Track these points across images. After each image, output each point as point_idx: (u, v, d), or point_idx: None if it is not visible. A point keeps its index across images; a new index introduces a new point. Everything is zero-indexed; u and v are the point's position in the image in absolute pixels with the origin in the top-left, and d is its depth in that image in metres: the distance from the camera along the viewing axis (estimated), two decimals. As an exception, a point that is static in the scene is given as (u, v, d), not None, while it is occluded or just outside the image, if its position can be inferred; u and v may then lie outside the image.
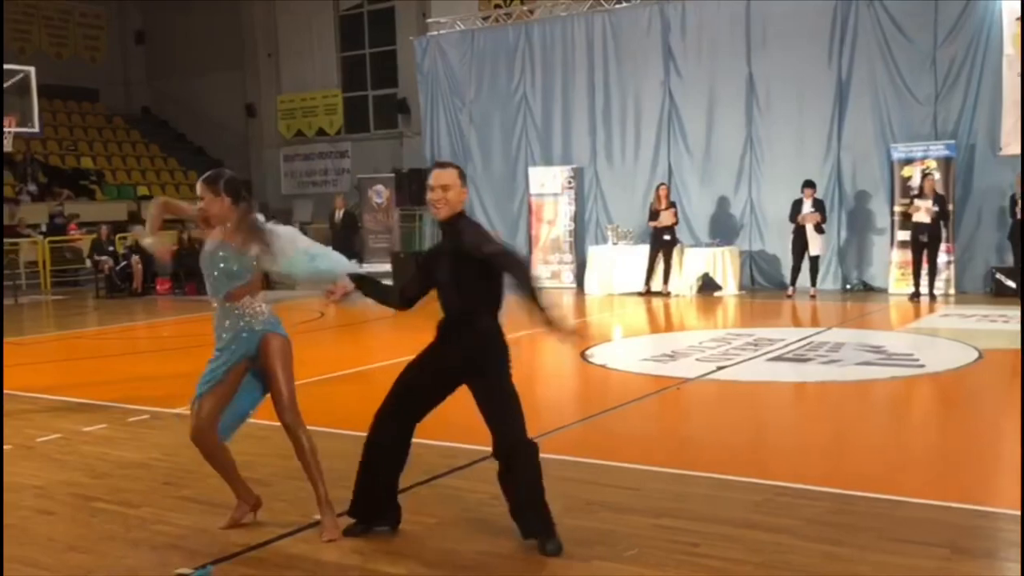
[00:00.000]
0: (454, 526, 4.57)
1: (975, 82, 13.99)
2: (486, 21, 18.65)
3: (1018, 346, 8.82)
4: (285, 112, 25.47)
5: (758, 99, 15.59)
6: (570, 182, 16.89)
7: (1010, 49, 13.57)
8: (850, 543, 4.18)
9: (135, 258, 18.25)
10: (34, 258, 19.92)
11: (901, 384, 8.03)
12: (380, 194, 19.50)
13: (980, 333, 10.31)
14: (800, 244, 14.16)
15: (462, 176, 4.40)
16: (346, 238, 18.07)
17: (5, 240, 19.29)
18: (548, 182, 16.98)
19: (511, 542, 4.27)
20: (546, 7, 17.87)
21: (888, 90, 14.60)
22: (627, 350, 10.50)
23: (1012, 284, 13.25)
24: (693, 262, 15.23)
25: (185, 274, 17.92)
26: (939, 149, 14.04)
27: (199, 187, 4.49)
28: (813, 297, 13.98)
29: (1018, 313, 10.56)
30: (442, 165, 4.45)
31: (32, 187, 22.29)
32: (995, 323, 11.00)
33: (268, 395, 4.56)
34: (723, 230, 15.88)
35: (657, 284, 15.12)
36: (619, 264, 15.77)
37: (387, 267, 18.29)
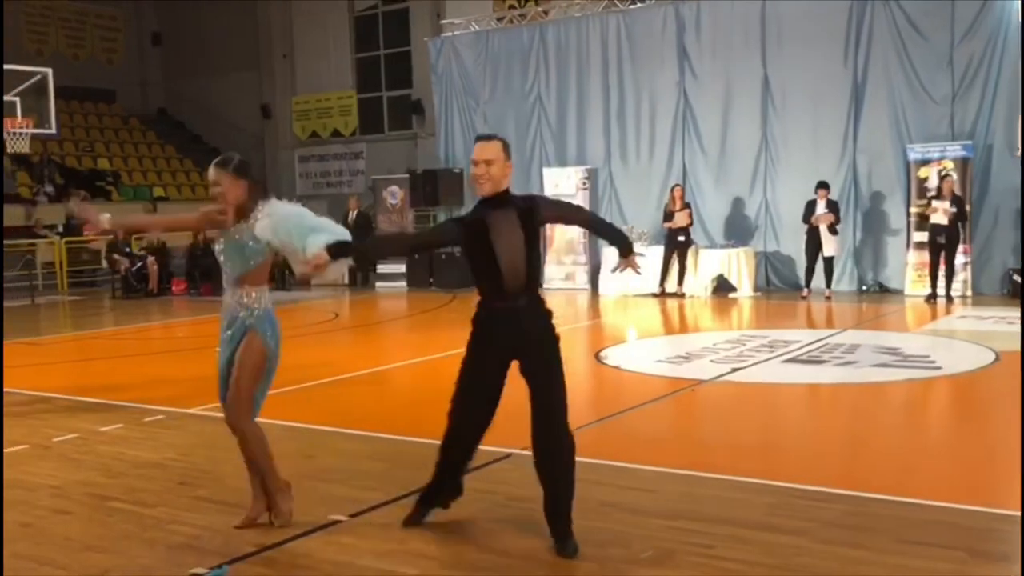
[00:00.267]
0: (470, 527, 4.57)
1: (992, 82, 13.92)
2: (500, 22, 18.66)
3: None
4: (300, 113, 25.54)
5: (773, 99, 15.54)
6: (584, 183, 16.87)
7: (1027, 48, 13.50)
8: (866, 546, 4.16)
9: (151, 259, 18.41)
10: (51, 259, 20.05)
11: (918, 386, 7.98)
12: (395, 195, 19.52)
13: (997, 335, 10.25)
14: (813, 245, 14.11)
15: (506, 149, 4.11)
16: (360, 239, 18.03)
17: (24, 241, 19.43)
18: (562, 183, 16.96)
19: (527, 543, 4.27)
20: (560, 8, 17.86)
21: (904, 90, 14.53)
22: (641, 351, 10.47)
23: (1030, 285, 13.16)
24: (708, 263, 15.21)
25: (200, 275, 18.03)
26: (956, 150, 13.96)
27: (214, 172, 4.47)
28: (828, 298, 13.92)
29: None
30: (486, 138, 4.14)
31: (49, 188, 22.41)
32: (1012, 325, 10.89)
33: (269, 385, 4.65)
34: (738, 231, 15.84)
35: (672, 285, 15.09)
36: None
37: (401, 267, 18.34)
